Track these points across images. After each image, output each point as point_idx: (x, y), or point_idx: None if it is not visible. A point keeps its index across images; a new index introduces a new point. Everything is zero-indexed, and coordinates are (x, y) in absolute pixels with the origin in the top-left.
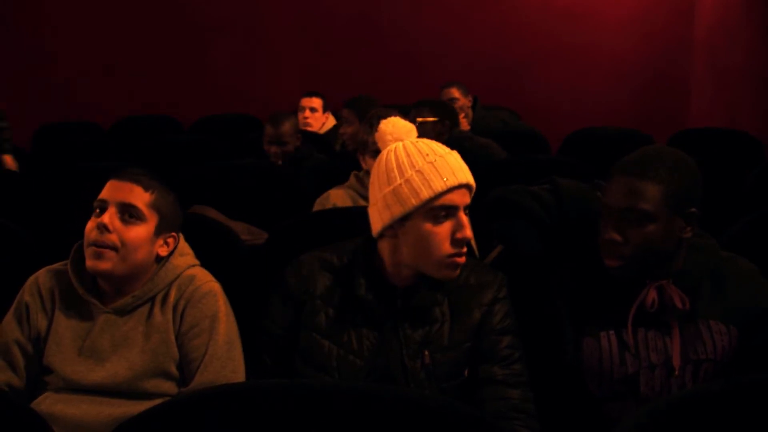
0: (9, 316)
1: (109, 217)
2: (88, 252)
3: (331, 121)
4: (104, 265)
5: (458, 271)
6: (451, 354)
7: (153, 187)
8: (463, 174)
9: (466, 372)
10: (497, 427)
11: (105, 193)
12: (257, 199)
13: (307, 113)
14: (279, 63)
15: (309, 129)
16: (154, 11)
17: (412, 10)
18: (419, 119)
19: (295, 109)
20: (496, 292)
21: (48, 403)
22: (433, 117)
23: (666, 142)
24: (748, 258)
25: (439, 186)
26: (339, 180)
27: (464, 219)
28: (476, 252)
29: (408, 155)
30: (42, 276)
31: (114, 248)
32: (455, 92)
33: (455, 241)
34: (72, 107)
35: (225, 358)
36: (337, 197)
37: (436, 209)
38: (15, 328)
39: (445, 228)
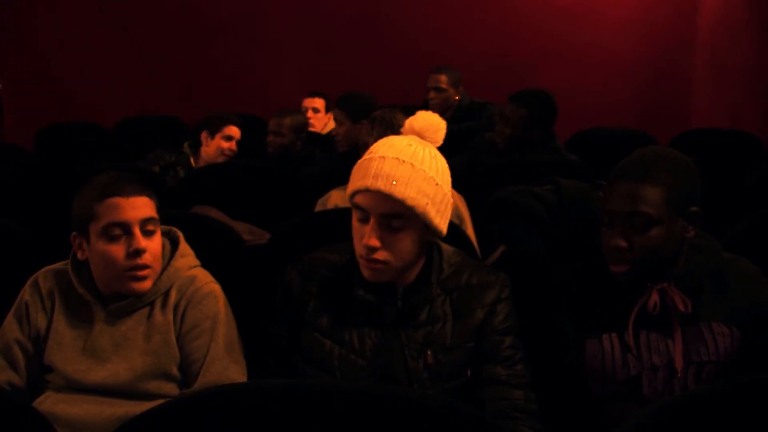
0: (10, 316)
1: (142, 239)
2: (125, 277)
3: (333, 122)
4: (147, 285)
5: (377, 277)
6: (454, 354)
7: (149, 189)
8: (375, 180)
9: (468, 372)
10: (497, 427)
11: (120, 216)
12: (259, 199)
13: (310, 114)
14: (280, 63)
15: (311, 129)
16: (156, 12)
17: (413, 10)
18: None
19: (299, 109)
20: (499, 292)
21: (49, 403)
22: (523, 111)
23: (667, 143)
24: (750, 258)
25: (355, 185)
26: (341, 180)
27: (371, 226)
28: (478, 253)
29: (371, 148)
30: (42, 276)
31: (150, 265)
32: (443, 80)
33: (361, 246)
34: (74, 108)
35: (227, 359)
36: (338, 198)
37: (354, 207)
38: (15, 327)
39: (361, 228)
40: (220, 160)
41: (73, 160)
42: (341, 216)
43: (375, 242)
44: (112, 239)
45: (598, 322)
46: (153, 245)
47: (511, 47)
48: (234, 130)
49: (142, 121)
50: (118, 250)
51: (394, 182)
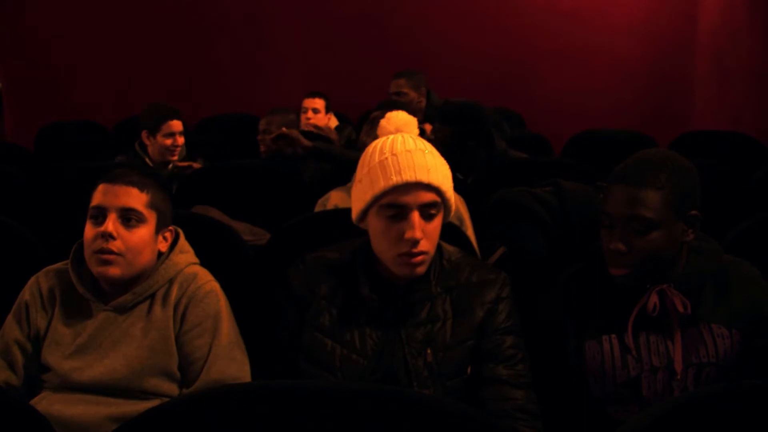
0: (9, 316)
1: (112, 224)
2: (94, 259)
3: (333, 122)
4: (113, 271)
5: (417, 270)
6: (454, 352)
7: (147, 186)
8: (413, 173)
9: (468, 369)
10: (495, 425)
11: (101, 200)
12: (260, 199)
13: (310, 114)
14: (283, 63)
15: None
16: (159, 11)
17: (416, 11)
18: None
19: (299, 109)
20: (499, 290)
21: (45, 404)
22: (448, 129)
23: (669, 145)
24: (751, 260)
25: (382, 185)
26: (341, 181)
27: (414, 219)
28: (478, 254)
29: (373, 152)
30: (42, 276)
31: (120, 254)
32: (403, 84)
33: (404, 241)
34: (76, 107)
35: (228, 357)
36: (338, 198)
37: (384, 207)
38: (15, 327)
39: (396, 227)
40: (169, 157)
41: (73, 160)
42: (343, 216)
43: (420, 234)
44: (93, 222)
45: (598, 323)
46: (131, 237)
47: (513, 49)
48: (174, 125)
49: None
50: (91, 232)
51: (429, 170)
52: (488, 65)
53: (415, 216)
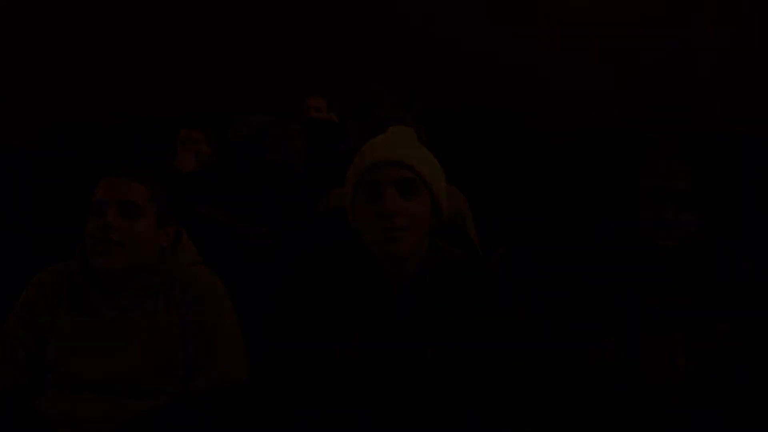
0: (13, 315)
1: (112, 215)
2: (95, 251)
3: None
4: (113, 262)
5: (396, 247)
6: (454, 351)
7: (149, 180)
8: (383, 153)
9: (468, 369)
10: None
11: (102, 193)
12: (261, 199)
13: (312, 113)
14: (282, 63)
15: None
16: (159, 11)
17: (417, 11)
18: None
19: (299, 111)
20: (499, 289)
21: (51, 403)
22: None
23: (669, 145)
24: (752, 260)
25: (357, 169)
26: (343, 181)
27: (388, 193)
28: (479, 251)
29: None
30: (46, 275)
31: (120, 244)
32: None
33: (381, 218)
34: (77, 108)
35: (229, 357)
36: (339, 198)
37: (361, 190)
38: (18, 326)
39: (374, 207)
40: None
41: (74, 160)
42: (342, 216)
43: (394, 206)
44: (94, 215)
45: (599, 321)
46: (131, 228)
47: (511, 48)
48: (181, 133)
49: (143, 121)
50: (91, 224)
51: (401, 150)
52: (490, 65)
53: (389, 191)
